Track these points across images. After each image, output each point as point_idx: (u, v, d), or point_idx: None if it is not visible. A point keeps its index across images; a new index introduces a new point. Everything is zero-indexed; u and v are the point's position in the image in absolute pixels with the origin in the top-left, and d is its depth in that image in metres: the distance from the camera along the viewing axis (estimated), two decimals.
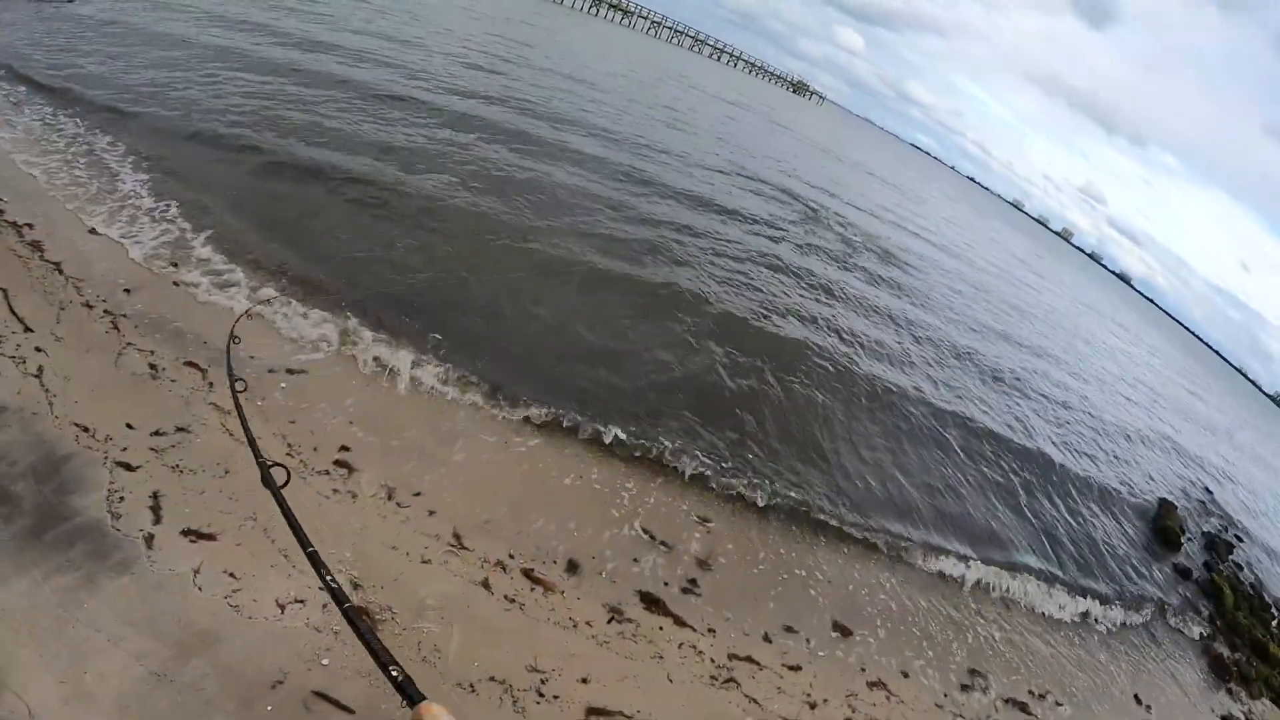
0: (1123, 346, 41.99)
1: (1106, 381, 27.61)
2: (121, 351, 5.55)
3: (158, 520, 4.22)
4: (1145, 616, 9.77)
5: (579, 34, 63.08)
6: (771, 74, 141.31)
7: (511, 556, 5.39)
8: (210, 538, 4.23)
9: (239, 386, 3.13)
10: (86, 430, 4.64)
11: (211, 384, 5.61)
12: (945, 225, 47.25)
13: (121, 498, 4.27)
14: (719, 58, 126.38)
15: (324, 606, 4.13)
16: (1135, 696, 7.71)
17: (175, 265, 7.17)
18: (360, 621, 1.58)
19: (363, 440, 5.79)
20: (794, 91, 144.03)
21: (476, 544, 5.32)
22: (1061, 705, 6.92)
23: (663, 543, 6.34)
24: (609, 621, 5.23)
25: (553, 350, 8.62)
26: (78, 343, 5.46)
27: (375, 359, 6.91)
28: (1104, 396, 23.28)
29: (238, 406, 2.97)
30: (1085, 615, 8.88)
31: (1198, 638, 10.00)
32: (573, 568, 5.61)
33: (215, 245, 7.79)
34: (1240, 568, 13.94)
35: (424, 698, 1.31)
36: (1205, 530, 15.03)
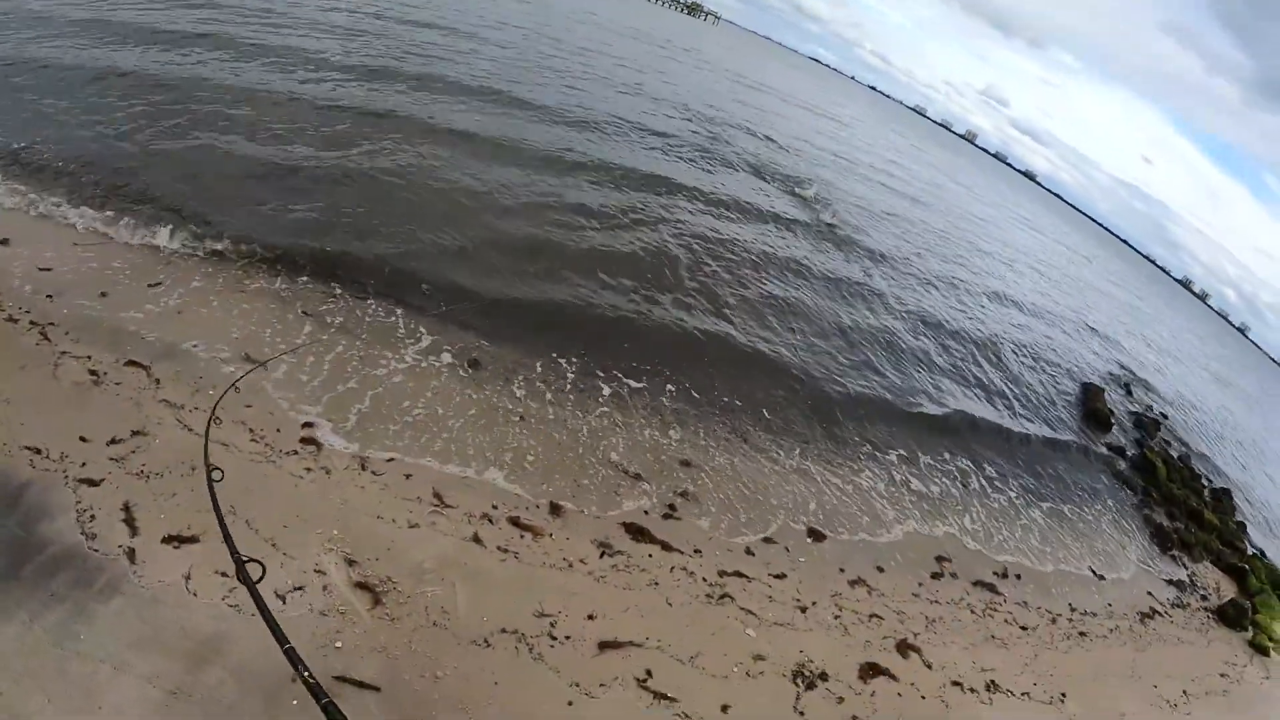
0: (1035, 239, 44.69)
1: (1023, 271, 29.59)
2: (57, 362, 5.10)
3: (135, 532, 4.04)
4: (1090, 497, 11.02)
5: None
6: None
7: (495, 507, 5.49)
8: (193, 540, 4.09)
9: (216, 476, 2.91)
10: (39, 452, 4.32)
11: (158, 380, 5.29)
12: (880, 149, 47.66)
13: (92, 516, 4.05)
14: None
15: (324, 589, 4.15)
16: (1090, 569, 8.80)
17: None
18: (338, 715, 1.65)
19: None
20: (689, 13, 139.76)
21: (459, 500, 5.39)
22: (1022, 579, 7.82)
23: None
24: (601, 556, 5.48)
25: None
26: (9, 361, 5.00)
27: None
28: (1021, 291, 24.98)
29: (213, 499, 2.75)
30: (1034, 504, 9.92)
31: (1138, 511, 11.39)
32: (556, 510, 5.79)
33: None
34: (1169, 443, 15.73)
35: None
36: (1133, 410, 16.76)
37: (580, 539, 5.56)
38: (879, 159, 41.37)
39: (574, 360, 7.98)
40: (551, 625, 4.60)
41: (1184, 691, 6.94)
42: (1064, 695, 6.18)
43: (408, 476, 5.39)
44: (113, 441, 4.62)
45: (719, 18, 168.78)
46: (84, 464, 4.40)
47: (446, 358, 7.12)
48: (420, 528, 4.93)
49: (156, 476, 4.47)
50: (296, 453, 5.14)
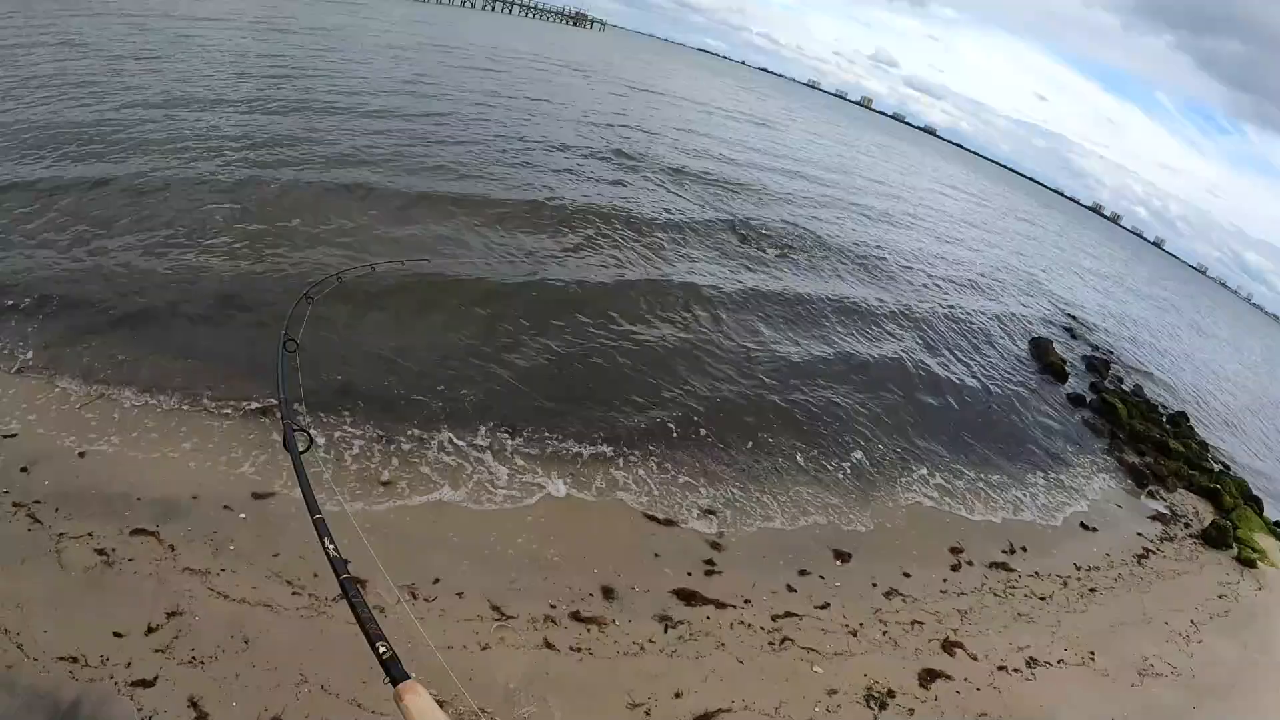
0: (956, 194, 47.97)
1: (947, 230, 31.73)
2: (58, 548, 5.04)
3: None
4: (1063, 450, 12.15)
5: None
6: (547, 11, 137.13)
7: (553, 606, 5.79)
8: None
9: (290, 347, 3.11)
10: (77, 660, 4.33)
11: (173, 547, 5.29)
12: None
13: None
14: (492, 8, 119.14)
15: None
16: (1081, 524, 9.77)
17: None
18: (355, 593, 1.73)
19: None
20: (573, 24, 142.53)
21: (516, 607, 5.65)
22: (1028, 551, 8.65)
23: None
24: (665, 631, 5.86)
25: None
26: (7, 555, 4.91)
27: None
28: (946, 246, 26.89)
29: (280, 368, 2.91)
30: (1016, 467, 10.91)
31: (1109, 454, 12.61)
32: (608, 593, 6.13)
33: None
34: (1120, 379, 17.35)
35: (408, 676, 1.44)
36: (1082, 354, 18.36)
37: (640, 618, 5.92)
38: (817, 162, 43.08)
39: (520, 435, 8.11)
40: (647, 714, 4.96)
41: (1191, 622, 7.91)
42: (1092, 654, 6.97)
43: (460, 595, 5.60)
44: (151, 630, 4.62)
45: (605, 24, 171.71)
46: (129, 664, 4.40)
47: None
48: (492, 648, 5.19)
49: (211, 660, 4.52)
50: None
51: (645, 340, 10.93)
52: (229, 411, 7.09)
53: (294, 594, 5.22)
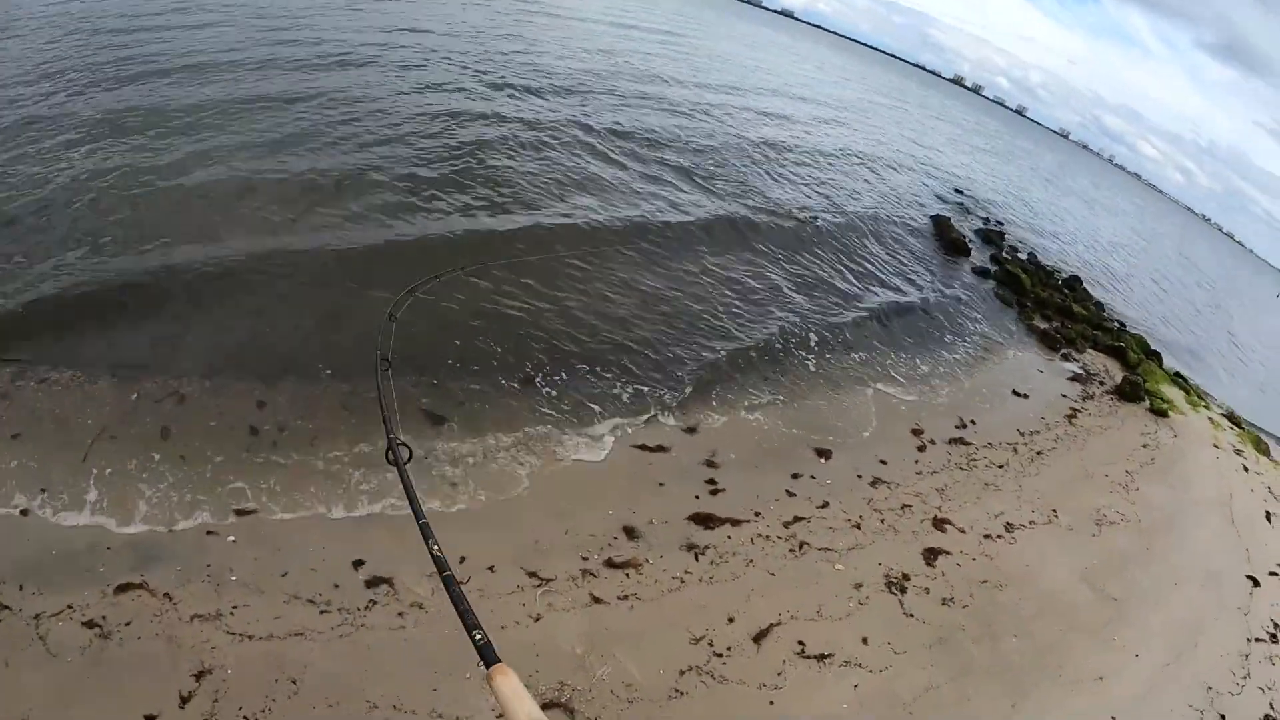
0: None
1: (830, 113, 32.51)
2: (41, 633, 4.14)
3: None
4: (980, 323, 13.36)
5: None
6: None
7: (585, 559, 5.75)
8: None
9: (382, 366, 3.42)
10: None
11: (169, 595, 4.55)
12: None
13: None
14: None
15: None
16: (1013, 391, 10.94)
17: None
18: (455, 588, 1.99)
19: None
20: None
21: (552, 568, 5.55)
22: (976, 423, 9.64)
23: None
24: (696, 559, 6.04)
25: None
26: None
27: None
28: (832, 134, 27.62)
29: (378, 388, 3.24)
30: (943, 345, 11.94)
31: (1021, 323, 14.06)
32: (630, 533, 6.17)
33: None
34: (1015, 248, 19.00)
35: (499, 660, 1.63)
36: (976, 229, 19.83)
37: (669, 550, 6.04)
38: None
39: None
40: (710, 645, 5.18)
41: (1127, 472, 9.35)
42: (1055, 512, 8.09)
43: (491, 569, 5.40)
44: (185, 700, 4.06)
45: None
46: None
47: None
48: (544, 616, 5.10)
49: (267, 714, 4.09)
50: (375, 602, 4.92)
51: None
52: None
53: (322, 613, 4.73)
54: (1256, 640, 7.06)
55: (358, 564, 5.14)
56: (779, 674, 5.17)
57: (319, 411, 6.49)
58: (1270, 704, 6.27)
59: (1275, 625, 7.38)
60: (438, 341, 7.74)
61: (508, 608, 5.10)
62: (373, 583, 5.04)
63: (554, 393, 7.73)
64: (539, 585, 5.36)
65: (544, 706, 4.43)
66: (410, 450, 2.76)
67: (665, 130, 18.28)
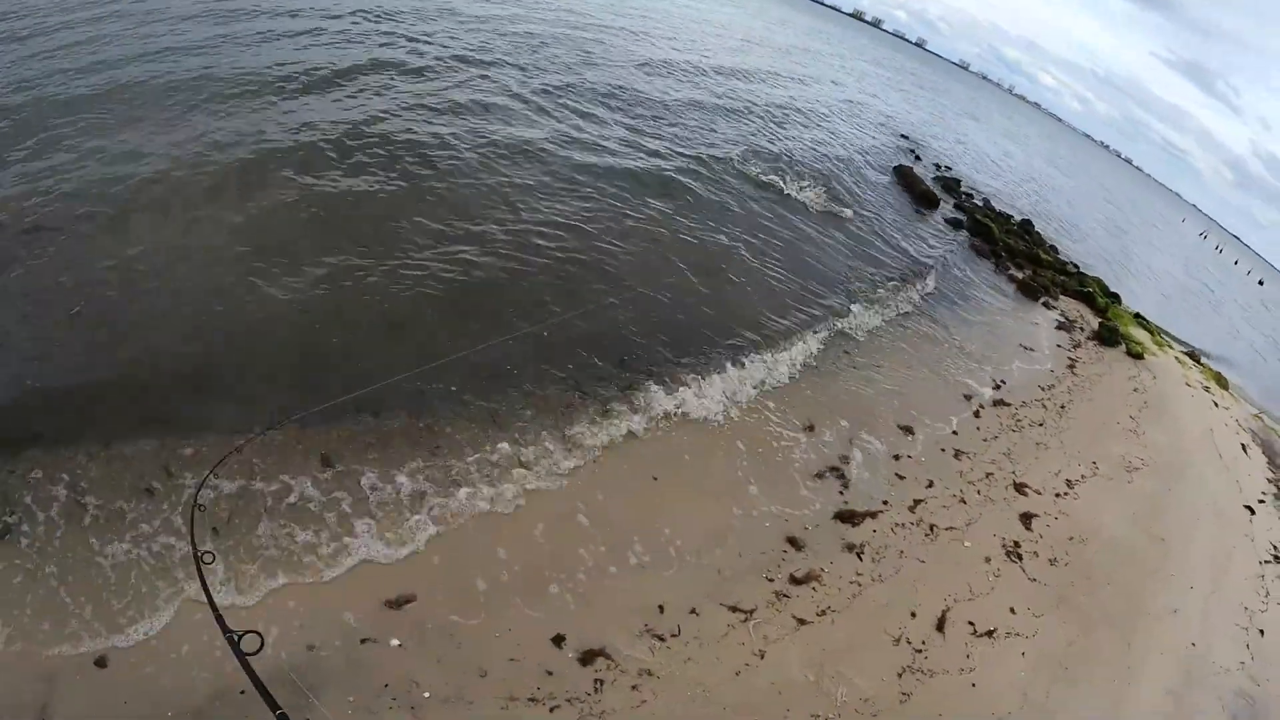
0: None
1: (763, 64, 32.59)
2: None
3: None
4: (972, 282, 14.57)
5: None
6: None
7: (770, 579, 6.14)
8: None
9: (206, 559, 3.29)
10: None
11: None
12: None
13: None
14: None
15: None
16: (1020, 345, 12.33)
17: None
18: None
19: None
20: None
21: (743, 597, 5.88)
22: (1006, 382, 10.89)
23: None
24: (860, 558, 6.64)
25: None
26: None
27: None
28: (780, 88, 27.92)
29: (202, 580, 3.16)
30: (951, 309, 13.04)
31: (1001, 274, 15.48)
32: (794, 543, 6.63)
33: None
34: (971, 195, 20.39)
35: None
36: (933, 177, 21.05)
37: (833, 554, 6.58)
38: None
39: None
40: (909, 643, 5.87)
41: (1131, 418, 10.98)
42: (1095, 463, 9.42)
43: (694, 612, 5.56)
44: None
45: None
46: None
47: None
48: (767, 652, 5.45)
49: None
50: (602, 681, 4.88)
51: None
52: None
53: (553, 710, 4.56)
54: (1265, 563, 8.87)
55: (558, 640, 4.98)
56: (967, 656, 5.97)
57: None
58: None
59: (1275, 547, 9.26)
60: None
61: (731, 651, 5.38)
62: (586, 659, 4.93)
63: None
64: (744, 619, 5.71)
65: None
66: (261, 639, 2.69)
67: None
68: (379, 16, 16.68)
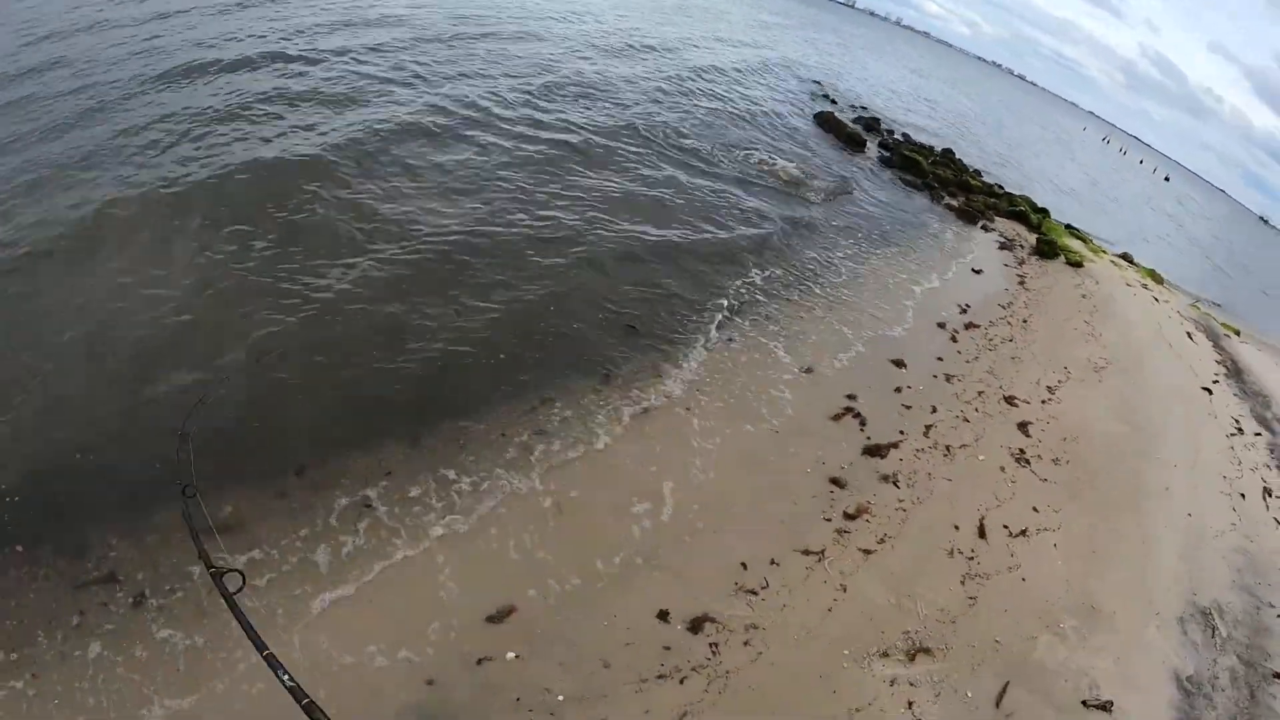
0: None
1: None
2: None
3: None
4: (914, 214, 15.42)
5: None
6: None
7: (827, 519, 6.55)
8: None
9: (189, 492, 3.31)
10: None
11: None
12: None
13: None
14: None
15: None
16: (971, 269, 13.30)
17: None
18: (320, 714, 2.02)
19: None
20: None
21: (811, 539, 6.32)
22: (971, 305, 11.78)
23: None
24: (896, 486, 7.18)
25: None
26: None
27: None
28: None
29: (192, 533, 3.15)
30: (905, 244, 13.92)
31: (937, 204, 16.46)
32: (837, 483, 7.08)
33: None
34: (891, 132, 21.35)
35: None
36: (854, 119, 21.90)
37: (873, 487, 7.06)
38: None
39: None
40: (961, 553, 6.48)
41: (1086, 323, 12.14)
42: (1067, 369, 10.41)
43: (774, 562, 6.01)
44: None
45: None
46: None
47: None
48: (848, 585, 5.87)
49: None
50: (716, 644, 5.17)
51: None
52: None
53: (684, 681, 4.81)
54: (1230, 435, 10.14)
55: (664, 615, 5.23)
56: (1011, 555, 6.64)
57: None
58: (1262, 479, 9.31)
59: (1234, 420, 10.58)
60: None
61: (817, 591, 5.79)
62: (695, 627, 5.20)
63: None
64: (818, 559, 6.13)
65: (912, 656, 5.49)
66: (244, 577, 2.76)
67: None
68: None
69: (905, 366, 9.41)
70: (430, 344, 7.34)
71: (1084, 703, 5.63)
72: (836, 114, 21.00)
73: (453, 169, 10.89)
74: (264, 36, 14.66)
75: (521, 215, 10.15)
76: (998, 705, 5.33)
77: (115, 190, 8.41)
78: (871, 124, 21.68)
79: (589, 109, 15.32)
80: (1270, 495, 9.35)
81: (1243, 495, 8.84)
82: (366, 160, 10.36)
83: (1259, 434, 10.88)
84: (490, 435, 6.47)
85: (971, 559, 6.49)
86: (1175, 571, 7.28)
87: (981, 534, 6.84)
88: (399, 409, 6.48)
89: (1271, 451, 10.61)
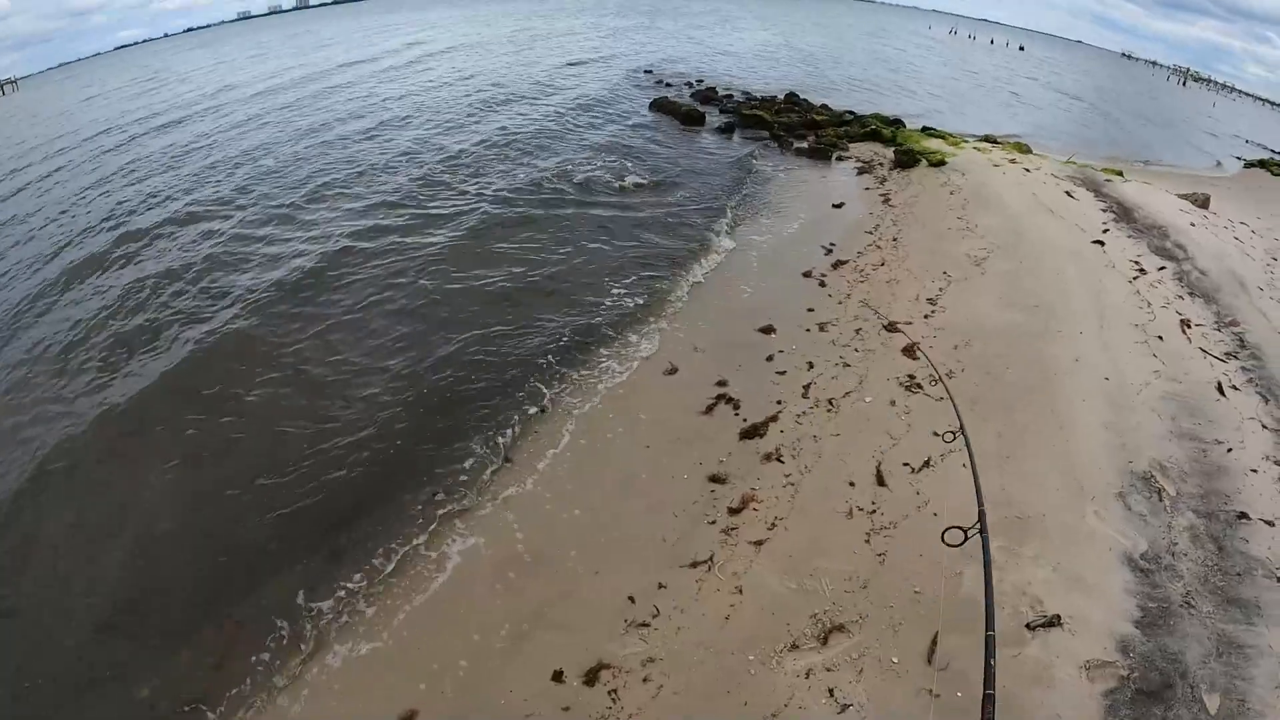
0: None
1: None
2: None
3: None
4: (768, 172, 15.27)
5: None
6: None
7: (712, 521, 6.08)
8: None
9: None
10: None
11: None
12: None
13: None
14: None
15: None
16: (832, 205, 13.12)
17: None
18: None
19: None
20: None
21: (700, 547, 5.83)
22: (836, 244, 11.50)
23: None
24: (781, 462, 6.69)
25: None
26: None
27: None
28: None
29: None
30: (769, 203, 13.72)
31: (788, 151, 16.35)
32: (718, 479, 6.61)
33: None
34: (730, 95, 21.32)
35: None
36: (690, 94, 21.89)
37: (757, 471, 6.64)
38: None
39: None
40: (861, 510, 6.05)
41: (959, 218, 12.02)
42: (946, 273, 10.20)
43: (662, 586, 5.54)
44: None
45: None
46: None
47: None
48: (743, 589, 5.44)
49: None
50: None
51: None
52: None
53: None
54: (1133, 279, 9.90)
55: (558, 676, 4.95)
56: (917, 493, 6.20)
57: None
58: (1177, 313, 9.09)
59: (1133, 262, 10.38)
60: None
61: (712, 602, 5.38)
62: (590, 679, 4.92)
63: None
64: (707, 568, 5.67)
65: (824, 639, 4.98)
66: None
67: None
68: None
69: (774, 331, 9.04)
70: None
71: (1028, 625, 5.11)
72: (671, 97, 21.00)
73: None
74: None
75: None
76: (929, 660, 4.82)
77: None
78: (709, 95, 21.71)
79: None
80: (1189, 326, 9.06)
81: (1160, 337, 8.52)
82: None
83: (1162, 267, 10.64)
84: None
85: (874, 513, 6.02)
86: (1104, 444, 6.86)
87: (881, 481, 6.38)
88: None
89: (1180, 280, 10.38)
